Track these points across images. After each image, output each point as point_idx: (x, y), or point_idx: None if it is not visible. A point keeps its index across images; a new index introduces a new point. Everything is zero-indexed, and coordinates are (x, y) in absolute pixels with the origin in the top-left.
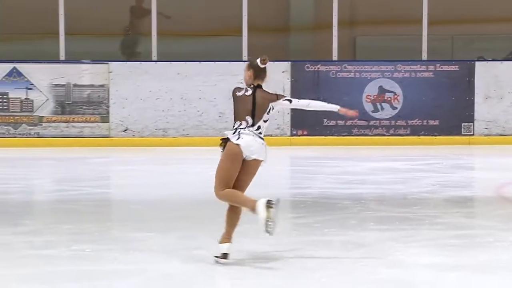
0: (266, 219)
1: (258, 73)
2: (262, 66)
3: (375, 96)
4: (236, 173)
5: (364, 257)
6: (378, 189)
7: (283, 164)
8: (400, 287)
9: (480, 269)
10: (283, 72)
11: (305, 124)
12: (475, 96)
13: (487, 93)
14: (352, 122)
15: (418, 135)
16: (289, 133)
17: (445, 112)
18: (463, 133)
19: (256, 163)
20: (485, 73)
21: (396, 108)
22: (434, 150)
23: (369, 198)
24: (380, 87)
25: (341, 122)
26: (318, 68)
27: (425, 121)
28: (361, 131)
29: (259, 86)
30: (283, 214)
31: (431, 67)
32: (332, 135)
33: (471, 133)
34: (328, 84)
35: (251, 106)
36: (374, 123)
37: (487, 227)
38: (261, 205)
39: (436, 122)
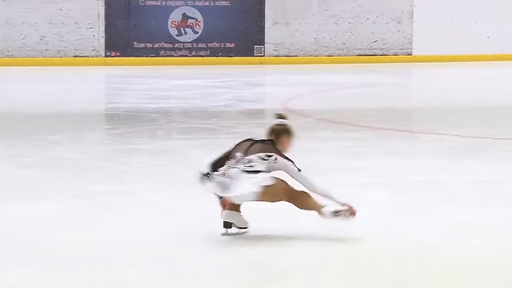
0: None
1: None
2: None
3: (179, 22)
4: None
5: (170, 163)
6: (182, 104)
7: (98, 82)
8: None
9: None
10: (97, 0)
11: (118, 46)
12: (265, 22)
13: (276, 19)
14: (159, 45)
15: (217, 56)
16: (103, 54)
17: (240, 35)
18: (255, 54)
19: None
20: (274, 2)
21: (197, 32)
22: (230, 69)
23: (174, 112)
24: (184, 14)
25: (149, 45)
26: None
27: (223, 44)
28: (167, 53)
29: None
30: (98, 126)
31: None
32: (141, 56)
33: (262, 54)
34: (137, 11)
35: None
36: (178, 45)
37: None
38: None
39: (232, 45)
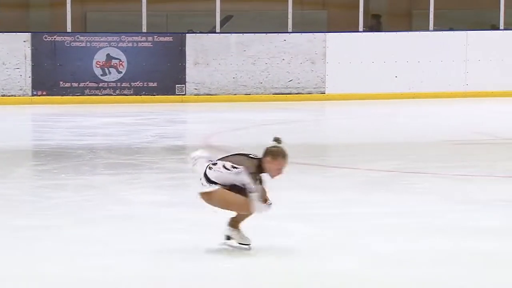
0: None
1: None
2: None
3: (103, 62)
4: None
5: (95, 197)
6: (107, 140)
7: (25, 120)
8: (126, 220)
9: (189, 204)
10: (24, 41)
11: (44, 86)
12: (186, 62)
13: (196, 60)
14: (84, 84)
15: (140, 95)
16: (30, 93)
17: (162, 75)
18: (176, 93)
19: None
20: (194, 43)
21: (121, 72)
22: (153, 107)
23: (100, 148)
24: (108, 54)
25: (75, 84)
26: (55, 38)
27: (146, 83)
28: (92, 92)
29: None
30: (25, 162)
31: (150, 38)
32: (67, 95)
33: (184, 93)
34: (63, 52)
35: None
36: (103, 84)
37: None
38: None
39: (155, 84)
